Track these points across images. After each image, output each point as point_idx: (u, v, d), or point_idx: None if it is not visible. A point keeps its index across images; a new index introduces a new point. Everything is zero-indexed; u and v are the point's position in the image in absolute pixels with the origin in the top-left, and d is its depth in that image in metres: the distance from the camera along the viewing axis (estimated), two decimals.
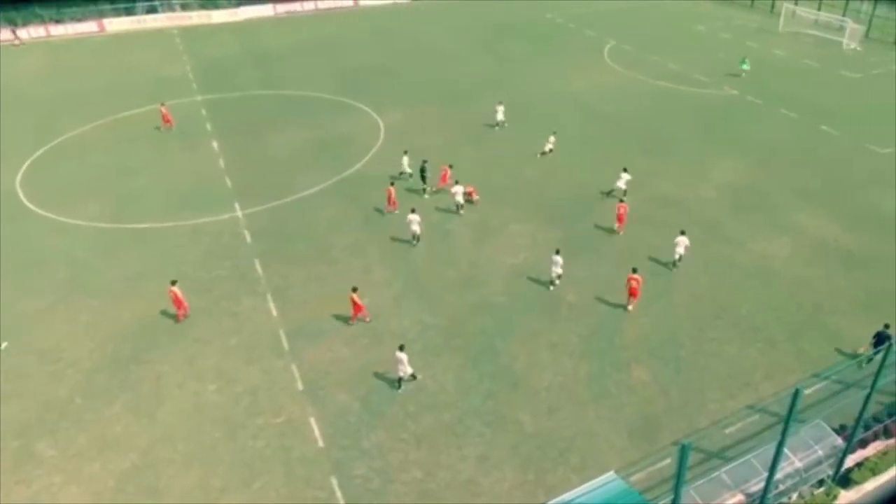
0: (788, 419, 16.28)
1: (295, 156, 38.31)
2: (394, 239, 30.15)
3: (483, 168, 36.37)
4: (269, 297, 26.48)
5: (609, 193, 33.37)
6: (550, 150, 37.65)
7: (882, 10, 63.03)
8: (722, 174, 35.68)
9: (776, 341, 24.11)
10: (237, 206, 32.93)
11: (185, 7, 69.73)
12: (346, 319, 25.04)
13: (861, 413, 18.78)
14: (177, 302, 24.84)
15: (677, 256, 27.90)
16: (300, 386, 22.30)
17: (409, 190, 33.86)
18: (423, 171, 33.42)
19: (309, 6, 73.41)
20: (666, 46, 58.89)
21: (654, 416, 21.05)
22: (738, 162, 37.03)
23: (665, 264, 28.01)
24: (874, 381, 18.81)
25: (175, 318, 25.18)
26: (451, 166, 34.19)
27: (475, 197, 32.90)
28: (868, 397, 18.99)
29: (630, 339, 24.26)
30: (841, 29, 60.61)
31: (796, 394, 15.85)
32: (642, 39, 61.00)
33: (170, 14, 68.18)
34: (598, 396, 21.81)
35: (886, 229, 30.94)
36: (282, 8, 72.21)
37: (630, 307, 25.59)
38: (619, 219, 30.31)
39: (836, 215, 32.16)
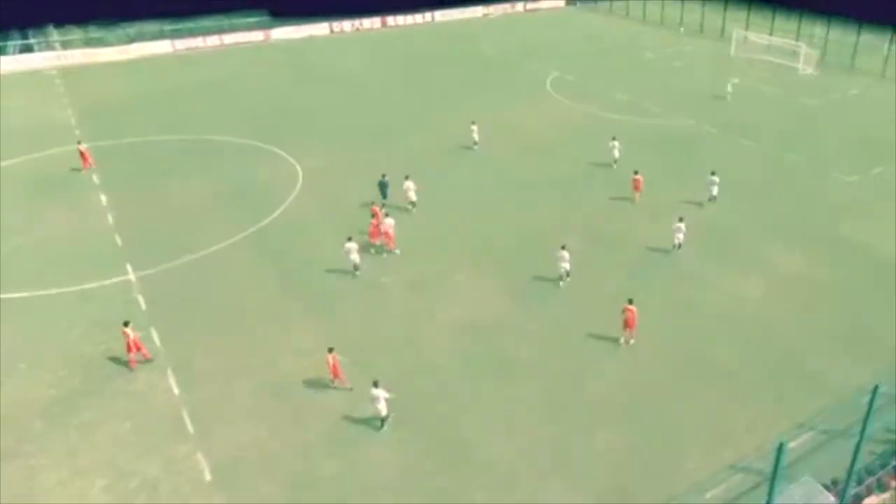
0: (774, 478, 16.32)
1: (199, 208, 37.74)
2: (320, 296, 29.80)
3: (418, 212, 36.60)
4: (169, 371, 25.52)
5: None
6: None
7: (835, 33, 67.79)
8: (680, 210, 36.55)
9: (755, 389, 24.51)
10: (129, 267, 32.04)
11: (66, 45, 68.91)
12: (262, 394, 24.29)
13: (852, 465, 19.04)
14: (132, 346, 25.26)
15: (677, 242, 32.63)
16: (208, 476, 21.27)
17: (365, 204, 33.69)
18: (382, 186, 36.29)
19: (213, 41, 73.83)
20: (613, 76, 61.42)
21: (626, 483, 20.87)
22: (697, 196, 38.22)
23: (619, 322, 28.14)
24: (862, 429, 19.18)
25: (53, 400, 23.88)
26: (380, 205, 35.35)
27: (391, 245, 32.96)
28: (858, 446, 19.31)
29: (594, 396, 24.25)
30: (795, 54, 64.85)
31: (780, 448, 15.96)
32: (587, 69, 63.51)
33: (48, 54, 67.21)
34: (561, 465, 21.54)
35: (862, 260, 32.35)
36: (182, 44, 72.33)
37: (632, 340, 26.72)
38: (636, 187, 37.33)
39: (809, 249, 33.46)
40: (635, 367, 25.71)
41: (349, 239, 31.17)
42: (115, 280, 31.04)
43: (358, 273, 31.17)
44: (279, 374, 25.30)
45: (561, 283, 30.31)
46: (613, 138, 42.19)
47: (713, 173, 37.67)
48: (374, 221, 33.32)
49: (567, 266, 30.22)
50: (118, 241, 34.32)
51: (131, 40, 70.46)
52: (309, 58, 69.50)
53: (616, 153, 41.82)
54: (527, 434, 22.68)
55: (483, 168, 42.69)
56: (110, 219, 36.50)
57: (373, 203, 34.90)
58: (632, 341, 26.75)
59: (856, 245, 33.75)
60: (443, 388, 24.62)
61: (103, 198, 38.84)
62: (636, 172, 37.89)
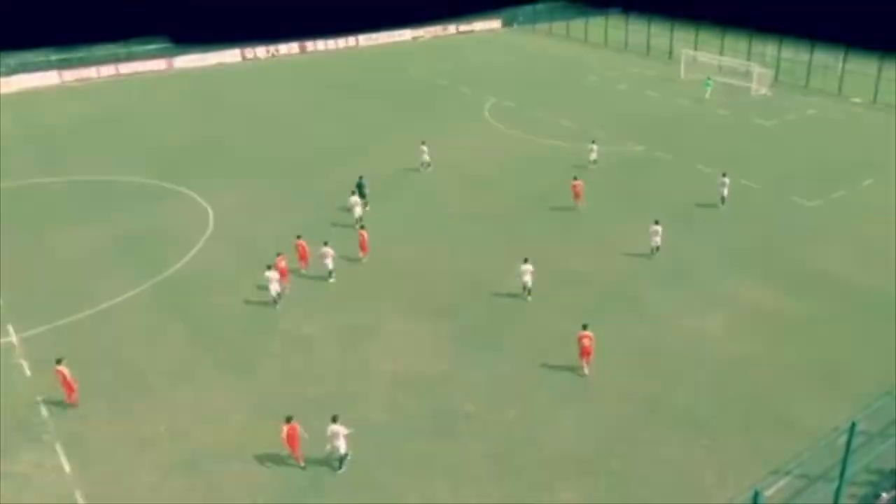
0: None
1: (94, 258, 37.01)
2: (236, 351, 29.32)
3: (346, 254, 36.43)
4: (58, 447, 24.54)
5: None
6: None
7: (787, 52, 71.03)
8: (636, 242, 37.49)
9: (724, 434, 24.81)
10: (11, 329, 31.03)
11: None
12: (172, 470, 23.48)
13: None
14: (66, 384, 25.68)
15: (655, 246, 35.58)
16: None
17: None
18: (360, 187, 39.88)
19: (108, 71, 73.30)
20: (556, 101, 63.11)
21: None
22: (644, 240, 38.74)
23: (573, 368, 28.22)
24: (842, 471, 19.56)
25: None
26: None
27: (286, 282, 33.18)
28: (838, 491, 19.67)
29: (550, 452, 24.17)
30: (748, 74, 67.82)
31: (756, 498, 16.09)
32: (528, 95, 65.12)
33: None
34: None
35: (829, 289, 33.50)
36: (71, 74, 71.48)
37: (586, 370, 27.58)
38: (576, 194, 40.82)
39: (772, 279, 34.46)
40: (594, 415, 25.82)
41: (269, 267, 31.97)
42: None
43: (278, 307, 31.71)
44: (191, 444, 24.62)
45: (529, 298, 32.23)
46: (593, 141, 47.62)
47: (724, 174, 41.41)
48: (301, 251, 34.34)
49: (529, 281, 32.16)
50: None
51: (12, 71, 69.13)
52: (218, 88, 69.43)
53: (594, 155, 47.15)
54: (477, 498, 22.39)
55: (420, 201, 43.16)
56: None
57: (298, 237, 34.83)
58: (586, 370, 27.53)
59: (821, 274, 34.88)
60: (381, 452, 24.23)
61: None
62: (575, 178, 41.24)
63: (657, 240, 35.72)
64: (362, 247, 35.77)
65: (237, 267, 35.71)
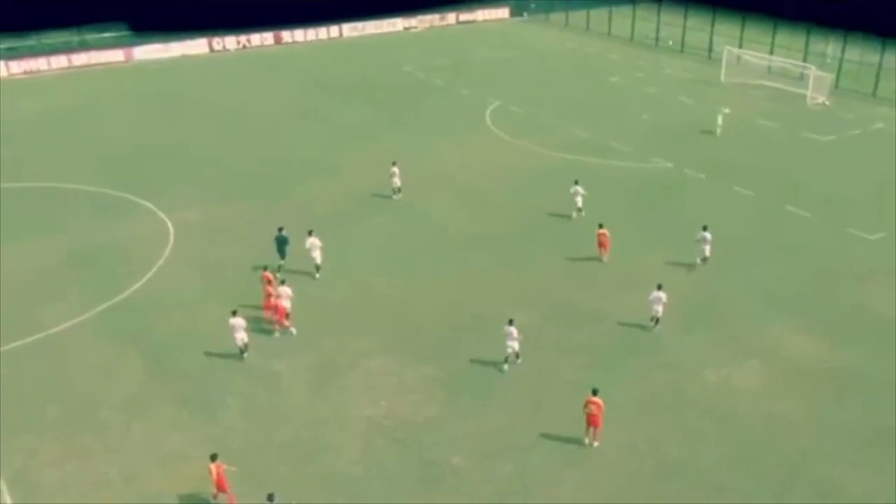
0: None
1: (37, 278, 38.13)
2: (197, 387, 30.45)
3: (323, 278, 37.91)
4: (3, 485, 25.63)
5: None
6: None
7: (853, 52, 69.88)
8: (659, 276, 37.04)
9: None
10: None
11: None
12: None
13: None
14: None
15: (655, 315, 33.74)
16: None
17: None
18: (280, 242, 37.87)
19: (59, 62, 74.60)
20: (570, 106, 64.14)
21: None
22: (681, 258, 39.57)
23: (578, 422, 28.55)
24: None
25: None
26: (275, 268, 37.34)
27: (286, 322, 33.91)
28: None
29: None
30: (802, 78, 67.64)
31: None
32: (537, 98, 66.13)
33: None
34: None
35: (888, 340, 33.23)
36: (18, 66, 72.52)
37: (596, 441, 27.31)
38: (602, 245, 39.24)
39: (820, 326, 34.43)
40: (600, 479, 26.15)
41: (234, 313, 31.84)
42: None
43: (246, 356, 32.09)
44: (145, 488, 25.63)
45: (506, 367, 31.39)
46: (576, 182, 44.06)
47: (705, 228, 38.88)
48: (268, 290, 34.39)
49: (516, 346, 31.22)
50: None
51: None
52: (182, 83, 70.76)
53: (579, 200, 43.83)
54: None
55: (406, 222, 44.14)
56: None
57: (265, 268, 35.86)
58: (596, 443, 27.28)
59: (880, 321, 34.64)
60: None
61: None
62: (601, 226, 39.40)
63: (659, 308, 33.85)
64: (279, 312, 33.89)
65: (201, 291, 36.89)
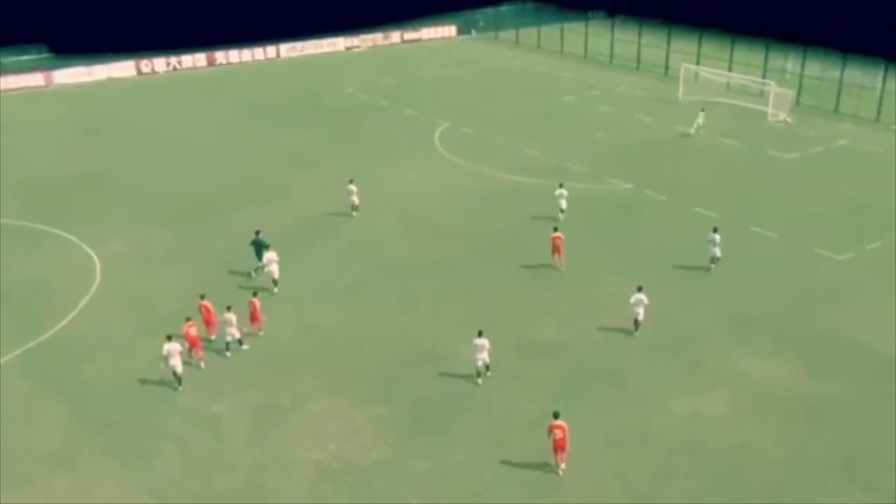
0: None
1: None
2: (127, 433, 29.95)
3: (264, 314, 37.31)
4: None
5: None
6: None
7: (813, 68, 71.39)
8: (621, 304, 37.65)
9: None
10: None
11: None
12: None
13: None
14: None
15: (637, 318, 35.55)
16: None
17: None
18: (258, 245, 40.23)
19: None
20: (522, 127, 64.80)
21: None
22: (644, 283, 38.66)
23: (542, 463, 28.70)
24: None
25: None
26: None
27: (198, 353, 34.15)
28: None
29: None
30: (763, 95, 68.85)
31: None
32: (488, 118, 66.70)
33: None
34: None
35: (860, 366, 33.78)
36: None
37: (562, 467, 27.72)
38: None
39: (790, 352, 34.75)
40: None
41: (169, 338, 32.16)
42: None
43: (181, 388, 32.12)
44: None
45: (480, 381, 32.55)
46: (560, 185, 47.04)
47: (715, 230, 41.24)
48: (205, 315, 35.14)
49: (486, 358, 32.38)
50: None
51: None
52: (107, 108, 70.31)
53: (563, 203, 46.73)
54: None
55: (353, 249, 44.14)
56: None
57: (202, 296, 35.72)
58: (563, 465, 27.74)
59: (851, 346, 35.18)
60: None
61: None
62: (556, 230, 41.46)
63: (639, 310, 35.67)
64: (254, 317, 35.88)
65: (130, 330, 36.43)
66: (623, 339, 35.99)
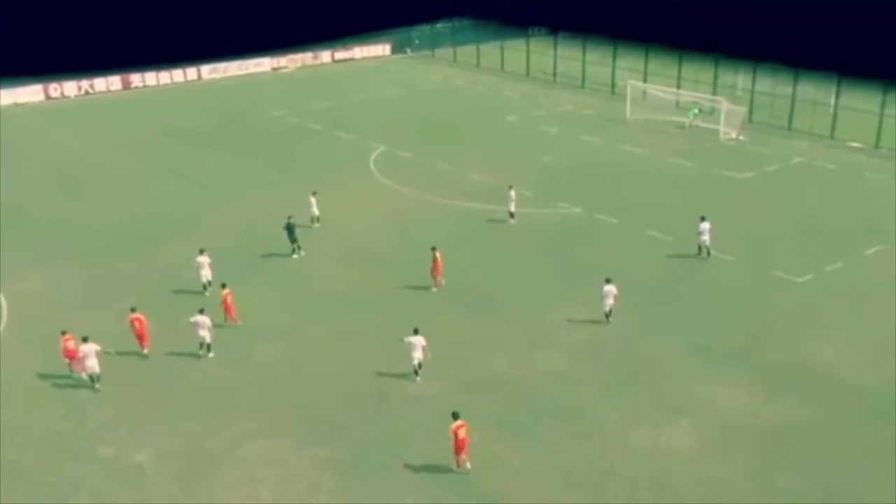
0: None
1: None
2: (44, 488, 29.31)
3: (189, 354, 37.09)
4: None
5: None
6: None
7: (764, 84, 72.73)
8: (575, 333, 38.27)
9: None
10: None
11: None
12: None
13: None
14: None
15: (607, 309, 38.53)
16: None
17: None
18: (290, 228, 45.88)
19: None
20: (464, 149, 65.37)
21: None
22: (596, 312, 39.80)
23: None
24: None
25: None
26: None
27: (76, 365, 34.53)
28: None
29: None
30: (714, 112, 70.09)
31: None
32: (427, 141, 67.36)
33: None
34: None
35: (825, 391, 34.27)
36: None
37: (467, 465, 29.24)
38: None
39: (752, 379, 35.08)
40: None
41: (85, 340, 34.05)
42: None
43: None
44: None
45: (418, 379, 34.87)
46: (510, 187, 51.12)
47: (703, 219, 45.25)
48: (138, 328, 36.48)
49: (421, 357, 34.44)
50: None
51: None
52: (12, 135, 69.27)
53: (512, 206, 50.70)
54: None
55: (286, 281, 44.19)
56: None
57: (133, 309, 36.94)
58: (468, 464, 29.14)
59: (815, 371, 35.70)
60: None
61: None
62: (434, 249, 42.85)
63: (609, 301, 38.74)
64: (227, 309, 39.08)
65: (41, 375, 35.83)
66: (577, 370, 36.08)
